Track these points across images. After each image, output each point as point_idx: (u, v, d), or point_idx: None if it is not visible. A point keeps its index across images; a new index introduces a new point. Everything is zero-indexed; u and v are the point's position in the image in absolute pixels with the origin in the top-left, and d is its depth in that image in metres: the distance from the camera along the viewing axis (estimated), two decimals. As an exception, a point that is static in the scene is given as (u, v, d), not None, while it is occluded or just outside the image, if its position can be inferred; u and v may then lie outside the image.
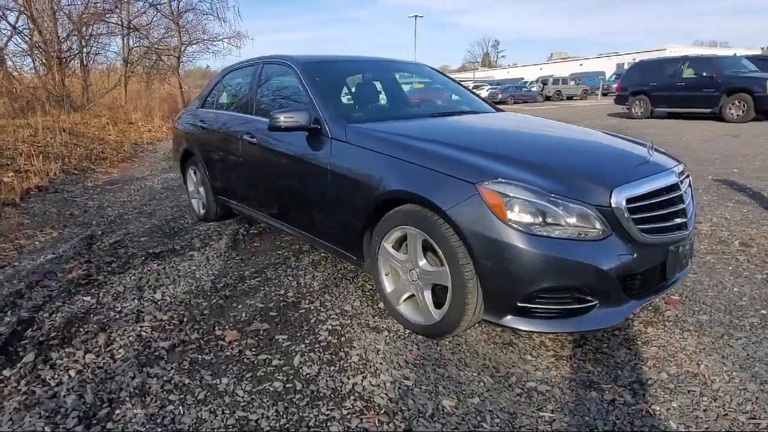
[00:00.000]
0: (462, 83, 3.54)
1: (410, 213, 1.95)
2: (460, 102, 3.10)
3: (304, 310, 2.39)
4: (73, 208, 4.62)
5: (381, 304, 2.41)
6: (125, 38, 14.16)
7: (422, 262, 1.98)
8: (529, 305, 1.70)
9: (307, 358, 1.95)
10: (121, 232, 3.77)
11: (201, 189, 3.97)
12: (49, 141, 6.89)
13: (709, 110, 11.38)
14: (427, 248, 1.98)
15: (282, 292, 2.62)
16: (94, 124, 9.41)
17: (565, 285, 1.67)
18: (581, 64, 45.93)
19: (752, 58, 12.74)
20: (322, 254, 3.15)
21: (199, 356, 1.99)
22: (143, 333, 2.17)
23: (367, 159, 2.17)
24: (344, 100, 3.05)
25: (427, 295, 1.99)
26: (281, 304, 2.46)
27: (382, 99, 3.11)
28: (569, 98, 29.34)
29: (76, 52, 13.16)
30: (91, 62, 14.33)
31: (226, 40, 15.15)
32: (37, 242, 3.56)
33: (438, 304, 1.97)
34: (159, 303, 2.49)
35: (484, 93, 27.38)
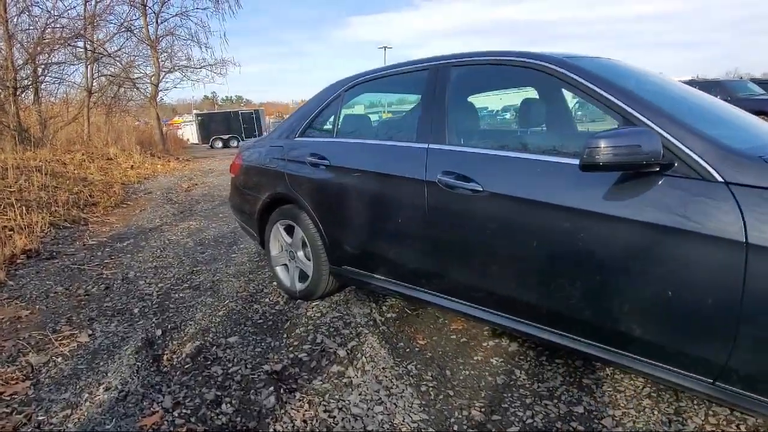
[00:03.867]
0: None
1: None
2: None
3: None
4: (85, 282, 3.19)
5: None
6: (90, 66, 12.52)
7: None
8: None
9: None
10: (192, 331, 2.41)
11: (301, 253, 2.71)
12: (24, 184, 5.33)
13: (726, 133, 11.18)
14: None
15: (596, 464, 1.42)
16: (68, 161, 7.80)
17: None
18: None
19: (756, 82, 12.88)
20: (560, 359, 1.96)
21: None
22: None
23: None
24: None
25: None
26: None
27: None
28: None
29: (30, 81, 11.41)
30: (54, 93, 12.61)
31: (209, 67, 13.78)
32: (59, 359, 2.16)
33: None
34: None
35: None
